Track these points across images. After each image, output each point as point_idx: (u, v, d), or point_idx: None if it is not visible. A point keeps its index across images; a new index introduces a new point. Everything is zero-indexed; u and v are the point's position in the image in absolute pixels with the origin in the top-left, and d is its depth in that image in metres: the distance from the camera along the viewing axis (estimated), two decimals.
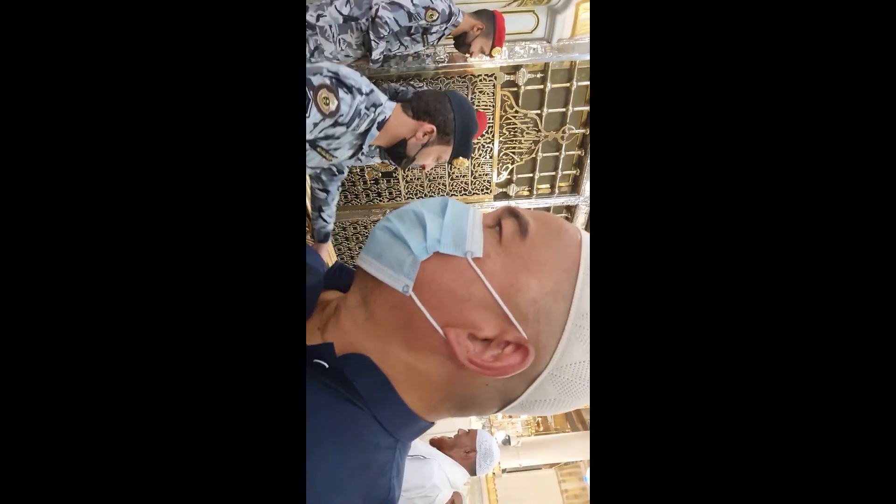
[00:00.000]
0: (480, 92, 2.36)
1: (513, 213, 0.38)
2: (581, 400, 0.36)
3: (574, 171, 2.80)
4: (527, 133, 2.56)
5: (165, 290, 0.24)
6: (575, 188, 2.84)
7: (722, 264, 0.25)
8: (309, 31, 1.59)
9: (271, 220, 0.27)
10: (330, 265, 0.48)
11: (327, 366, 0.34)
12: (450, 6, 1.59)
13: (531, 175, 2.76)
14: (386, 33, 1.52)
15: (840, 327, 0.22)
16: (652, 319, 0.26)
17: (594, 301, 0.30)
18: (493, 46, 1.74)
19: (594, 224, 0.30)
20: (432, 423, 0.38)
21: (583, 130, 2.57)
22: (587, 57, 2.25)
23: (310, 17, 1.58)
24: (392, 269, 0.36)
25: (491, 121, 2.45)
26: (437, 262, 0.35)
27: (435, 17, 1.54)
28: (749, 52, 0.25)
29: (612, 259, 0.27)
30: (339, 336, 0.36)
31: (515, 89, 2.38)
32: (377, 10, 1.50)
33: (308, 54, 1.67)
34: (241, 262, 0.26)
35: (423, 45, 1.66)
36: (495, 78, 2.31)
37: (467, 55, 1.80)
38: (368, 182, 2.71)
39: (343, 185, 2.67)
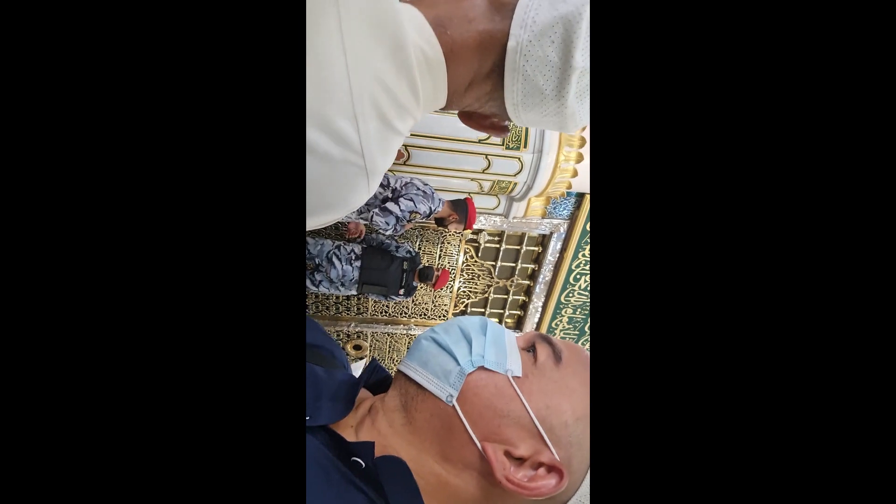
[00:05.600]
0: (448, 244, 2.86)
1: (546, 339, 0.40)
2: None
3: (519, 313, 3.27)
4: (482, 278, 3.05)
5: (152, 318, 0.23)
6: (519, 326, 3.30)
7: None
8: None
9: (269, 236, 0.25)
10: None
11: (363, 465, 0.34)
12: (430, 208, 2.08)
13: (483, 310, 3.20)
14: (385, 230, 2.00)
15: (843, 329, 0.21)
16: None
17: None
18: (464, 228, 2.24)
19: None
20: None
21: (528, 282, 3.09)
22: (535, 232, 2.83)
23: None
24: (438, 378, 0.37)
25: (453, 269, 2.93)
26: (480, 377, 0.37)
27: (418, 216, 2.02)
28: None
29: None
30: (375, 437, 0.37)
31: (477, 245, 2.90)
32: (372, 216, 1.97)
33: None
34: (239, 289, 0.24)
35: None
36: (462, 235, 2.83)
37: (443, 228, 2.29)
38: (341, 297, 3.05)
39: (317, 297, 2.99)
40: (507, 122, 0.43)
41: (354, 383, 0.42)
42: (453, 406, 0.36)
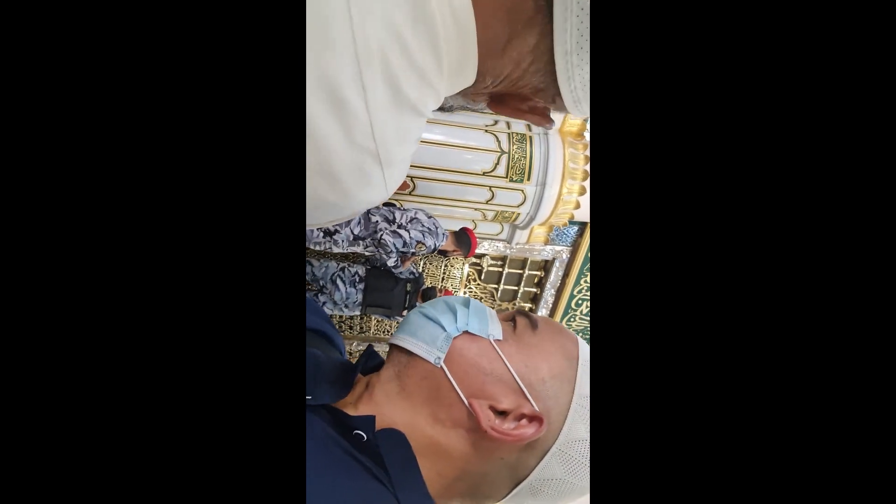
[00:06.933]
0: (451, 266, 2.88)
1: (523, 313, 0.45)
2: (585, 487, 0.39)
3: None
4: (484, 301, 3.07)
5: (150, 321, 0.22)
6: None
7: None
8: (326, 237, 2.06)
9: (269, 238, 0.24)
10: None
11: (365, 437, 0.36)
12: (435, 244, 2.11)
13: None
14: (390, 252, 2.03)
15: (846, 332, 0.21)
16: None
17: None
18: (466, 257, 2.28)
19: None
20: None
21: (530, 306, 3.11)
22: (537, 257, 2.85)
23: (330, 227, 2.06)
24: (426, 343, 0.41)
25: (456, 290, 2.95)
26: (464, 340, 0.41)
27: (422, 249, 2.06)
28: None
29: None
30: (373, 410, 0.39)
31: (480, 268, 2.92)
32: (382, 235, 2.00)
33: (322, 248, 2.13)
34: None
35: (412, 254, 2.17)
36: (465, 258, 2.85)
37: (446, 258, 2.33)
38: (344, 316, 3.08)
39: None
40: (549, 107, 0.36)
41: (352, 368, 0.45)
42: (441, 367, 0.40)
